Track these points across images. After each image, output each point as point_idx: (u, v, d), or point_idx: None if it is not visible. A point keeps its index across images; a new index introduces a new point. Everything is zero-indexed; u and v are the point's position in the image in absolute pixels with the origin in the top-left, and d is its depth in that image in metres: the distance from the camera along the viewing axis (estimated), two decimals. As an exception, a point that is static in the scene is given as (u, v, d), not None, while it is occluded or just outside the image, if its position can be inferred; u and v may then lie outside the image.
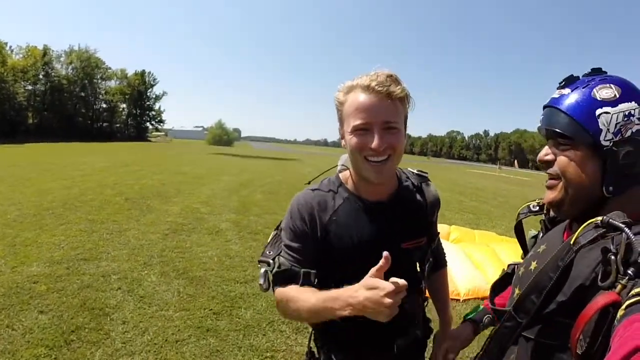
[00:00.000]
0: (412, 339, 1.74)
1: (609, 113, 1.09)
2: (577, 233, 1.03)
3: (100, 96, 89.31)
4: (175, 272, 5.79)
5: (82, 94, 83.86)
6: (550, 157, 1.21)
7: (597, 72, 1.21)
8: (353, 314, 1.26)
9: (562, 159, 1.17)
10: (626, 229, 0.94)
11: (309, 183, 1.74)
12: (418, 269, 1.76)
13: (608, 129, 1.09)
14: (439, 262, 1.95)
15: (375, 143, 1.40)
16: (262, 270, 1.55)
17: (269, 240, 1.67)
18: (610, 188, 1.11)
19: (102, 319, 4.42)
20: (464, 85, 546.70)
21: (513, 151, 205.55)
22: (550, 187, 1.24)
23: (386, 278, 1.40)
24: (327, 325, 1.58)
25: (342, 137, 1.54)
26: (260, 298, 5.11)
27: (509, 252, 6.68)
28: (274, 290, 1.53)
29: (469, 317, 1.81)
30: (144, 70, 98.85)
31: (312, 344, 1.78)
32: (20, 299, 4.74)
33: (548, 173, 1.24)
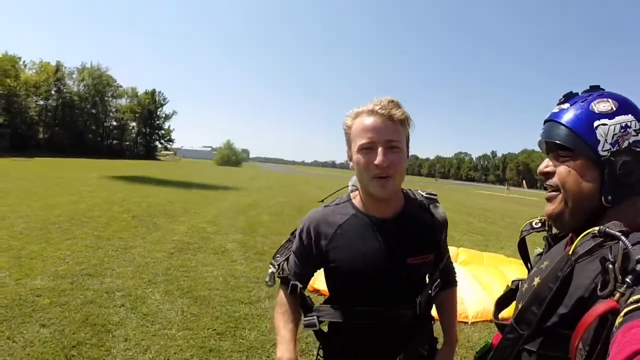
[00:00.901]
0: (415, 356, 1.75)
1: (606, 125, 1.14)
2: (575, 243, 1.04)
3: (111, 114, 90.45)
4: (179, 291, 5.73)
5: (93, 110, 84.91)
6: (550, 169, 1.26)
7: (595, 89, 1.25)
8: None
9: (561, 170, 1.21)
10: (623, 238, 0.95)
11: (322, 201, 1.89)
12: (426, 284, 1.79)
13: (606, 140, 1.13)
14: (449, 281, 1.96)
15: (378, 159, 1.51)
16: (270, 270, 1.81)
17: (282, 243, 1.89)
18: (609, 197, 1.14)
19: (104, 335, 4.36)
20: (471, 107, 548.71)
21: (521, 171, 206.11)
22: (549, 199, 1.28)
23: (393, 292, 1.65)
24: (332, 335, 1.78)
25: (350, 158, 1.65)
26: (264, 319, 5.03)
27: (518, 273, 6.56)
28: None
29: (478, 355, 1.76)
30: (154, 90, 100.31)
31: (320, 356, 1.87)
32: (22, 311, 4.70)
33: (548, 185, 1.27)
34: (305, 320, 1.73)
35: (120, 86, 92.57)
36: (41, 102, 75.14)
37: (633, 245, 0.95)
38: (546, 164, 1.28)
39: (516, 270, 7.16)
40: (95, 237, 8.43)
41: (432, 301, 1.81)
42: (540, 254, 1.52)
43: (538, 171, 1.31)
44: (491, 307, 5.92)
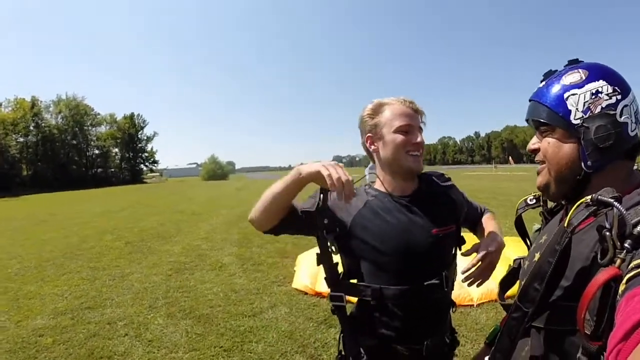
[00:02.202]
0: (441, 341, 1.83)
1: (575, 94, 1.18)
2: (569, 215, 1.05)
3: (92, 142, 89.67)
4: (181, 313, 5.71)
5: (74, 141, 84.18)
6: (536, 145, 1.31)
7: (573, 63, 1.28)
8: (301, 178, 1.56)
9: (543, 144, 1.27)
10: (616, 204, 0.96)
11: None
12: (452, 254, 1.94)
13: (577, 109, 1.17)
14: (480, 214, 2.15)
15: (419, 139, 1.73)
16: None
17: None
18: (589, 163, 1.17)
19: (112, 367, 4.34)
20: (449, 90, 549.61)
21: (506, 148, 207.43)
22: (538, 173, 1.33)
23: (421, 263, 1.72)
24: (362, 314, 1.78)
25: (372, 144, 1.81)
26: (270, 330, 5.03)
27: (516, 250, 6.57)
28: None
29: (488, 341, 1.82)
30: (132, 113, 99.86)
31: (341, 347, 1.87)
32: (26, 353, 4.66)
33: (537, 160, 1.32)
34: (332, 294, 1.75)
35: (98, 114, 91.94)
36: (21, 139, 74.41)
37: (627, 209, 0.96)
38: (533, 142, 1.33)
39: (515, 248, 7.14)
40: (90, 269, 8.39)
41: (455, 273, 1.96)
42: (539, 230, 1.54)
43: (527, 149, 1.36)
44: (495, 287, 6.00)
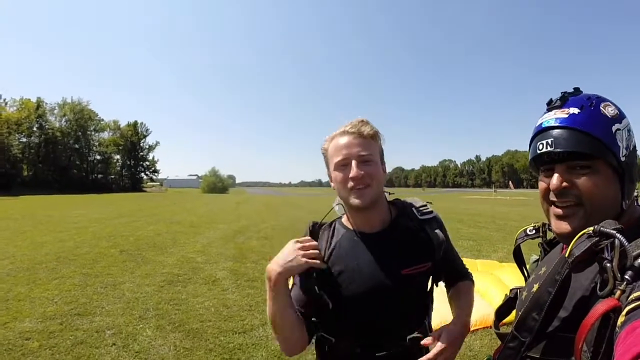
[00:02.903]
0: None
1: (620, 130, 1.12)
2: (571, 245, 1.02)
3: (94, 148, 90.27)
4: (171, 325, 5.64)
5: (76, 145, 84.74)
6: (567, 183, 1.15)
7: (577, 92, 1.22)
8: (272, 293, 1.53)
9: (584, 184, 1.13)
10: (618, 235, 0.94)
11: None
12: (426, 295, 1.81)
13: (622, 145, 1.12)
14: (457, 274, 1.98)
15: (353, 172, 1.58)
16: None
17: None
18: (627, 201, 1.14)
19: (97, 377, 4.29)
20: (452, 114, 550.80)
21: (506, 173, 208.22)
22: (568, 216, 1.17)
23: (389, 306, 1.63)
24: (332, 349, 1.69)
25: (331, 179, 1.71)
26: (260, 348, 4.96)
27: (513, 278, 6.61)
28: None
29: None
30: (136, 121, 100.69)
31: None
32: (11, 356, 4.62)
33: (564, 200, 1.17)
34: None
35: (102, 119, 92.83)
36: (24, 140, 75.01)
37: (629, 242, 0.94)
38: (561, 180, 1.16)
39: (511, 274, 7.16)
40: (83, 275, 8.34)
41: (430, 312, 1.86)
42: (537, 261, 1.50)
43: (553, 189, 1.17)
44: (490, 314, 6.02)
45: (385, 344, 1.63)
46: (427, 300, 1.81)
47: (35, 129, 77.07)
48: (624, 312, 0.84)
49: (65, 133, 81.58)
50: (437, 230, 1.74)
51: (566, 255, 1.01)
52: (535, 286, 1.18)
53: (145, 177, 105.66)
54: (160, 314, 6.13)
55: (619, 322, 0.85)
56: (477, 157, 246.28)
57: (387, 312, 1.63)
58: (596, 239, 0.98)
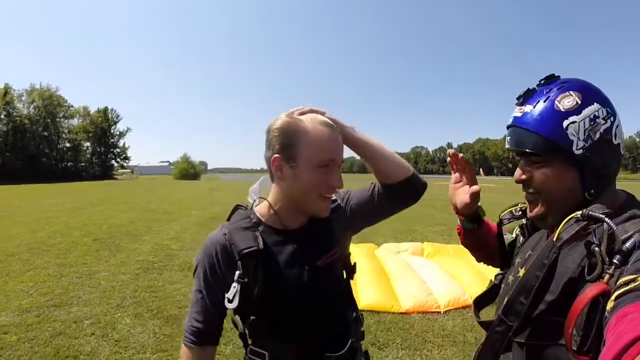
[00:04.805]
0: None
1: (575, 122, 1.13)
2: (559, 229, 1.05)
3: (64, 135, 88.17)
4: (149, 313, 5.68)
5: (45, 133, 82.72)
6: (526, 176, 1.24)
7: (551, 78, 1.24)
8: None
9: (539, 177, 1.21)
10: (607, 219, 0.97)
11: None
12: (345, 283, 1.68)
13: (578, 138, 1.13)
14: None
15: (338, 183, 1.47)
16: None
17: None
18: (592, 191, 1.16)
19: (77, 366, 4.31)
20: (424, 100, 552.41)
21: (477, 160, 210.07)
22: (532, 202, 1.28)
23: (310, 299, 1.49)
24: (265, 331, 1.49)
25: (279, 168, 1.46)
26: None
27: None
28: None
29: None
30: (106, 107, 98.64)
31: None
32: (-11, 350, 4.59)
33: (527, 192, 1.27)
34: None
35: (72, 106, 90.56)
36: (-10, 128, 73.16)
37: (616, 226, 0.97)
38: (521, 173, 1.26)
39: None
40: (57, 265, 8.26)
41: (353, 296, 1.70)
42: (514, 241, 1.54)
43: (515, 180, 1.28)
44: (461, 294, 6.21)
45: (324, 343, 1.50)
46: (346, 291, 1.67)
47: (2, 116, 74.98)
48: (613, 297, 0.86)
49: (33, 120, 79.44)
50: (338, 210, 1.66)
51: (554, 239, 1.04)
52: (522, 270, 1.24)
53: (116, 164, 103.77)
54: (138, 301, 6.15)
55: (608, 307, 0.87)
56: (449, 144, 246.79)
57: (315, 308, 1.50)
58: (584, 223, 1.02)
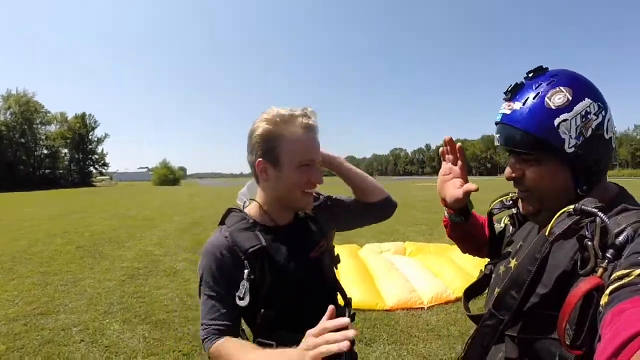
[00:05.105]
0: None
1: (567, 120, 1.11)
2: (551, 223, 1.04)
3: (41, 142, 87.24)
4: (137, 318, 5.70)
5: (22, 140, 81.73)
6: (517, 173, 1.23)
7: (539, 71, 1.22)
8: None
9: (530, 176, 1.20)
10: (600, 213, 0.97)
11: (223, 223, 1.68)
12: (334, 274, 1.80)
13: (570, 136, 1.11)
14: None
15: (318, 178, 1.58)
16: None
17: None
18: (584, 187, 1.15)
19: (68, 373, 4.33)
20: (402, 102, 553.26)
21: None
22: (524, 199, 1.27)
23: (308, 288, 1.61)
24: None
25: (263, 170, 1.56)
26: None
27: (464, 257, 6.92)
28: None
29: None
30: (84, 113, 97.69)
31: None
32: (-22, 361, 4.58)
33: (519, 189, 1.27)
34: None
35: (49, 112, 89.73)
36: (-34, 134, 72.07)
37: (609, 219, 0.97)
38: (511, 171, 1.25)
39: (462, 254, 7.48)
40: (41, 274, 8.23)
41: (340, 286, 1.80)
42: (503, 231, 1.54)
43: (505, 177, 1.27)
44: (443, 290, 6.32)
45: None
46: (334, 278, 1.79)
47: (-22, 123, 74.27)
48: (607, 292, 0.86)
49: (10, 127, 78.53)
50: (323, 208, 1.83)
51: (546, 233, 1.04)
52: (513, 261, 1.27)
53: (94, 170, 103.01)
54: (125, 307, 6.16)
55: (602, 302, 0.86)
56: (427, 146, 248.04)
57: (312, 295, 1.60)
58: (577, 217, 1.01)
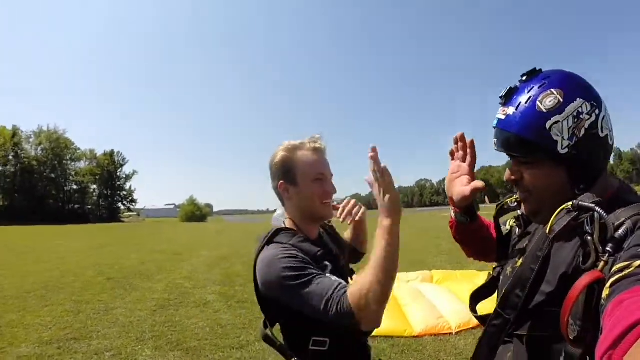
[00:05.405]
0: None
1: (559, 122, 1.13)
2: (551, 221, 1.07)
3: (71, 177, 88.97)
4: (169, 345, 5.76)
5: (53, 175, 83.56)
6: (516, 176, 1.27)
7: (533, 74, 1.24)
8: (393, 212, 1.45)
9: (528, 178, 1.24)
10: (597, 208, 1.00)
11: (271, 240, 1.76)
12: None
13: (563, 137, 1.13)
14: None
15: (331, 188, 1.84)
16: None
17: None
18: (582, 186, 1.17)
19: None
20: (427, 133, 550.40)
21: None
22: (524, 200, 1.32)
23: None
24: None
25: (285, 190, 1.83)
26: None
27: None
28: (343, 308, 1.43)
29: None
30: (112, 150, 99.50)
31: None
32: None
33: (520, 191, 1.31)
34: (314, 339, 1.65)
35: (79, 148, 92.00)
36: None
37: (608, 214, 1.00)
38: (510, 173, 1.29)
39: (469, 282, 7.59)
40: (74, 302, 8.37)
41: None
42: (510, 232, 1.55)
43: (505, 180, 1.31)
44: (471, 318, 6.26)
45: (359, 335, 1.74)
46: None
47: (10, 157, 76.37)
48: (608, 284, 0.87)
49: (41, 162, 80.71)
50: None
51: (547, 231, 1.07)
52: (519, 261, 1.27)
53: (122, 207, 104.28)
54: (157, 335, 6.23)
55: (603, 295, 0.87)
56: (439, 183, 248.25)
57: None
58: (575, 213, 1.04)
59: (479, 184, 1.49)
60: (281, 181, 1.81)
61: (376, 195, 1.49)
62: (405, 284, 8.50)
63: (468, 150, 1.59)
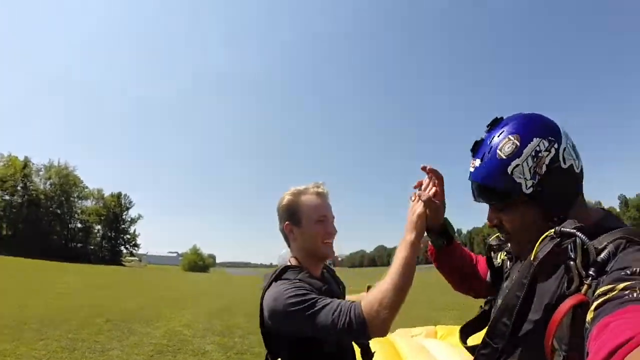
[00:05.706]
0: None
1: (519, 165, 1.19)
2: (535, 249, 1.08)
3: (76, 215, 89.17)
4: (165, 393, 5.55)
5: (58, 211, 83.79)
6: (496, 221, 1.34)
7: (495, 123, 1.32)
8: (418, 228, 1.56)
9: (505, 222, 1.30)
10: (578, 233, 1.01)
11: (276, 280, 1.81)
12: None
13: (525, 178, 1.19)
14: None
15: (333, 229, 1.94)
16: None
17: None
18: (556, 219, 1.17)
19: None
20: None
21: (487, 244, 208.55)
22: (508, 241, 1.41)
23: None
24: None
25: (290, 231, 1.94)
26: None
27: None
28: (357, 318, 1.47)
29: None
30: (120, 193, 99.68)
31: None
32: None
33: (503, 234, 1.38)
34: None
35: (87, 187, 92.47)
36: (7, 197, 74.23)
37: (591, 240, 1.01)
38: (490, 219, 1.36)
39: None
40: (69, 340, 8.22)
41: None
42: (501, 266, 1.58)
43: (488, 225, 1.38)
44: None
45: None
46: None
47: (19, 188, 76.87)
48: (592, 308, 0.88)
49: (48, 197, 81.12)
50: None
51: (532, 258, 1.07)
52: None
53: (125, 250, 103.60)
54: (154, 380, 6.02)
55: (587, 318, 0.88)
56: (459, 231, 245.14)
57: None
58: (558, 239, 1.05)
59: (430, 193, 1.57)
60: (287, 222, 1.94)
61: (408, 211, 1.63)
62: (409, 338, 8.34)
63: (428, 175, 1.65)
